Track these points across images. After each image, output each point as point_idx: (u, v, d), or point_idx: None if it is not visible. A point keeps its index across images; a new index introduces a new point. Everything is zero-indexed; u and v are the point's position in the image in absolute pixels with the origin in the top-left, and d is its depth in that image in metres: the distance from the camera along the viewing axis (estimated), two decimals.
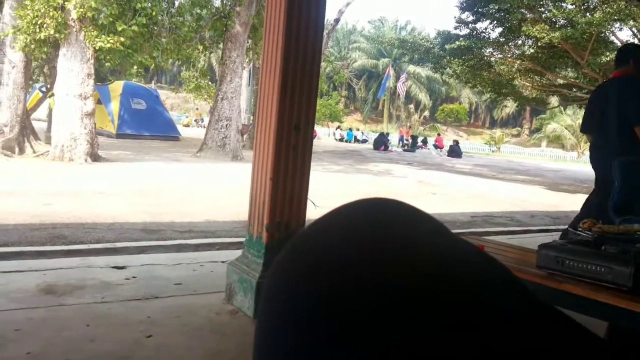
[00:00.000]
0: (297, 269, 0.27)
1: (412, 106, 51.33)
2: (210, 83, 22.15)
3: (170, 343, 2.54)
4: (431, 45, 20.20)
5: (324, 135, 33.88)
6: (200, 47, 15.02)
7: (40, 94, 14.26)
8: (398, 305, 0.23)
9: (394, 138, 31.06)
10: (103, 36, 10.04)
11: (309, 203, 3.26)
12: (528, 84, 18.70)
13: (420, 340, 0.22)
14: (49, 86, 12.80)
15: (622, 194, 3.82)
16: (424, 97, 50.65)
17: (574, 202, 10.93)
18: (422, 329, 0.23)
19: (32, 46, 9.99)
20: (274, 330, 0.26)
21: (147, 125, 18.60)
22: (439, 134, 35.26)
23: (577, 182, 16.51)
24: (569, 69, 18.13)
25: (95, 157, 10.60)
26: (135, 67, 12.37)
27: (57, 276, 3.31)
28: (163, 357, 2.39)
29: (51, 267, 3.49)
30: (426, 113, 53.06)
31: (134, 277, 3.42)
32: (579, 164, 33.82)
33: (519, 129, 55.04)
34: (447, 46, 18.11)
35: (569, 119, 40.16)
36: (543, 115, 43.55)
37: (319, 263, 0.26)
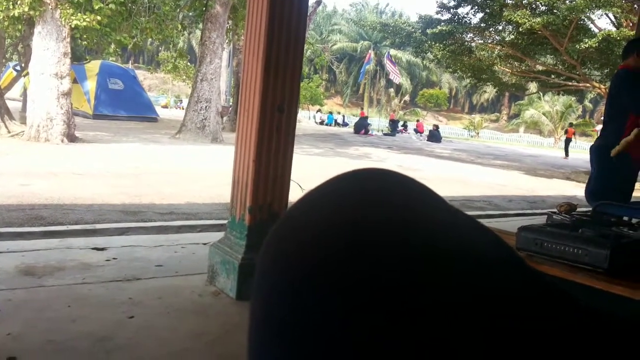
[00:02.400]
0: (293, 237, 0.26)
1: (392, 90, 51.39)
2: (189, 64, 21.85)
3: (152, 324, 2.54)
4: (413, 30, 20.20)
5: (304, 119, 33.75)
6: (179, 27, 14.79)
7: (14, 73, 13.92)
8: (391, 275, 0.23)
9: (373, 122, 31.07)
10: (79, 14, 9.81)
11: (292, 185, 3.27)
12: (508, 69, 18.86)
13: (416, 312, 0.22)
14: (23, 65, 12.49)
15: (598, 179, 3.90)
16: (404, 82, 50.71)
17: (551, 187, 11.12)
18: (418, 302, 0.22)
19: (6, 23, 9.72)
20: (269, 300, 0.25)
21: (125, 105, 18.30)
22: (418, 120, 35.46)
23: (553, 168, 16.79)
24: (548, 56, 18.31)
25: (71, 138, 10.41)
26: (112, 46, 12.13)
27: (36, 257, 3.27)
28: (145, 338, 2.39)
29: (30, 248, 3.45)
30: (406, 97, 53.18)
31: (114, 258, 3.40)
32: (555, 149, 34.34)
33: (498, 114, 55.59)
34: (428, 31, 18.14)
35: (546, 105, 40.62)
36: (521, 102, 44.00)
37: (314, 231, 0.26)
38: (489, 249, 0.27)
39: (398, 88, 51.37)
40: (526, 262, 0.27)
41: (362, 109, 37.93)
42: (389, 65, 31.29)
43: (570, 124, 30.01)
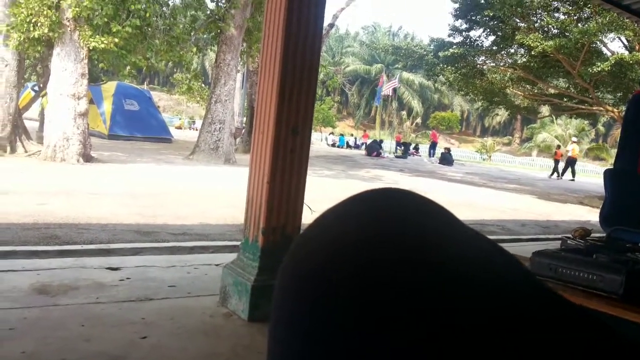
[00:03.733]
0: (307, 259, 0.26)
1: (404, 113, 51.54)
2: (203, 85, 22.13)
3: (164, 344, 2.54)
4: (425, 52, 20.36)
5: (317, 140, 33.92)
6: (194, 49, 15.04)
7: (32, 93, 14.18)
8: (404, 299, 0.23)
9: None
10: (97, 36, 10.02)
11: (304, 207, 3.28)
12: (520, 92, 18.87)
13: (431, 335, 0.22)
14: (41, 85, 12.74)
15: (611, 204, 3.87)
16: (416, 104, 50.88)
17: (565, 212, 11.03)
18: (428, 327, 0.22)
19: (26, 44, 9.95)
20: (290, 322, 0.25)
21: (140, 126, 18.54)
22: (433, 128, 35.60)
23: (567, 192, 16.66)
24: (561, 79, 18.31)
25: (87, 158, 10.55)
26: (128, 67, 12.35)
27: (50, 276, 3.30)
28: (157, 358, 2.40)
29: (45, 267, 3.48)
30: (418, 120, 53.29)
31: (128, 278, 3.42)
32: (568, 173, 34.10)
33: (510, 137, 55.44)
34: (440, 53, 18.25)
35: (559, 129, 40.48)
36: (534, 125, 43.87)
37: (328, 251, 0.26)
38: (506, 271, 0.26)
39: (410, 111, 51.52)
40: (544, 284, 0.26)
41: (365, 131, 37.99)
42: (388, 83, 31.56)
43: (558, 146, 29.81)
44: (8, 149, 10.49)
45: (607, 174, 4.01)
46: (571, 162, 24.14)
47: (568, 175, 24.26)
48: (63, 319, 2.69)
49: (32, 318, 2.66)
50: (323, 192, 8.45)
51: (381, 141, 29.45)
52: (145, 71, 14.30)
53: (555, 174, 24.89)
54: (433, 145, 30.98)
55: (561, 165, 25.35)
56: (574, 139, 27.98)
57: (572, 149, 24.25)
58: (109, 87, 18.26)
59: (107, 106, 18.19)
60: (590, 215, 10.15)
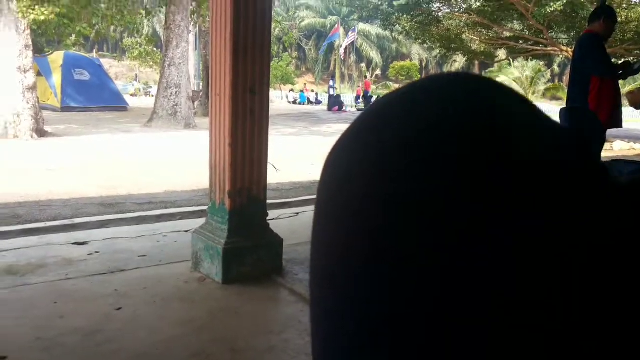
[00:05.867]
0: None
1: (363, 65, 51.25)
2: (155, 49, 21.45)
3: (140, 314, 2.55)
4: (379, 2, 20.08)
5: (277, 98, 33.48)
6: (143, 12, 14.46)
7: None
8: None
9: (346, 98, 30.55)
10: (37, 7, 9.50)
11: (269, 167, 3.27)
12: (476, 37, 18.92)
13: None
14: None
15: None
16: (375, 56, 50.58)
17: None
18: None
19: None
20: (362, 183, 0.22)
21: (93, 96, 17.90)
22: (365, 77, 35.05)
23: None
24: (515, 22, 18.41)
25: (41, 133, 10.19)
26: (73, 36, 11.82)
27: (16, 256, 3.24)
28: (134, 328, 2.41)
29: (8, 247, 3.41)
30: (378, 72, 53.11)
31: (96, 252, 3.38)
32: None
33: None
34: (395, 2, 18.06)
35: (516, 72, 41.00)
36: (492, 69, 44.27)
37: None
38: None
39: (369, 63, 51.26)
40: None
41: (305, 85, 37.09)
42: (349, 39, 31.22)
43: None
44: None
45: (563, 112, 4.13)
46: None
47: None
48: (34, 298, 2.66)
49: (1, 299, 2.62)
50: (286, 150, 8.42)
51: (333, 77, 28.48)
52: (94, 38, 13.71)
53: None
54: (366, 95, 28.39)
55: None
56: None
57: None
58: (57, 58, 17.46)
59: (56, 78, 17.44)
60: None
